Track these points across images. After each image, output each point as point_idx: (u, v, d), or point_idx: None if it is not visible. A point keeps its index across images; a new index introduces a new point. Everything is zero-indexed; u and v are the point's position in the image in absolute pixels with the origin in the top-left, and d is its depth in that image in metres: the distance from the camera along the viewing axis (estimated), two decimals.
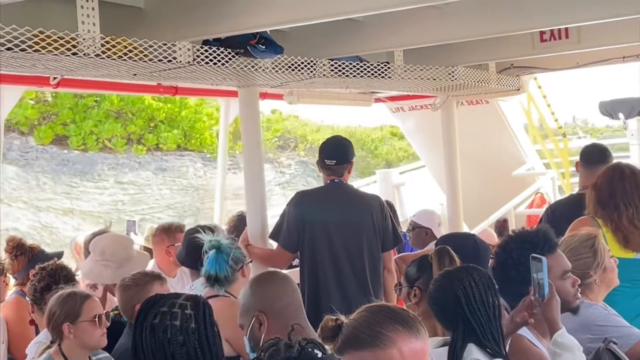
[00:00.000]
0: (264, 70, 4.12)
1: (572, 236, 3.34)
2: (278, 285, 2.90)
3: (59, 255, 4.21)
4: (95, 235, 4.53)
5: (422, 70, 4.96)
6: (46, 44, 3.09)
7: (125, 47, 3.38)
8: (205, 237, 3.61)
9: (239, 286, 3.63)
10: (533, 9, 4.06)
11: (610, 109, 10.14)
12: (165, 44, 3.53)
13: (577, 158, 4.82)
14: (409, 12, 4.05)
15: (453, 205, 6.19)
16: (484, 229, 6.77)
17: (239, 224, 5.38)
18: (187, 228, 4.60)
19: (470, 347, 2.47)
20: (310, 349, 1.75)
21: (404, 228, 6.04)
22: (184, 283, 4.48)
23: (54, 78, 4.25)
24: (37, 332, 3.73)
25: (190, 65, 3.71)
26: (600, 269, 3.20)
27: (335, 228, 4.48)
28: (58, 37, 3.13)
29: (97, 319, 3.15)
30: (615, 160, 4.44)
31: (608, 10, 3.93)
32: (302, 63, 4.31)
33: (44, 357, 3.15)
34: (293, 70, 4.26)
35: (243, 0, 3.46)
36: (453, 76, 5.15)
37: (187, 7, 3.60)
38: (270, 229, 4.69)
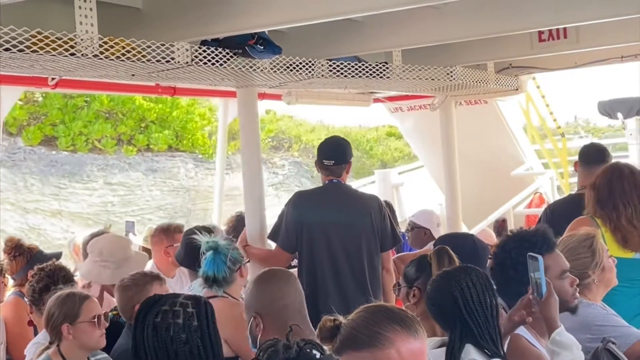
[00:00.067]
0: (262, 70, 4.16)
1: (570, 236, 3.38)
2: (278, 286, 2.95)
3: (58, 256, 4.24)
4: (93, 236, 4.58)
5: (420, 70, 4.99)
6: (44, 44, 3.13)
7: (124, 48, 3.42)
8: (203, 239, 3.66)
9: (237, 287, 3.71)
10: (531, 9, 4.10)
11: (609, 108, 10.24)
12: (163, 45, 3.57)
13: (576, 158, 4.85)
14: (407, 12, 4.08)
15: (452, 205, 6.24)
16: (482, 229, 6.79)
17: (237, 224, 5.41)
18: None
19: (468, 348, 2.50)
20: (308, 350, 1.82)
21: (402, 228, 6.08)
22: (182, 283, 4.54)
23: (52, 79, 4.28)
24: (36, 333, 3.76)
25: (189, 65, 3.75)
26: (598, 269, 3.24)
27: (334, 228, 4.52)
28: (56, 38, 3.17)
29: (96, 320, 3.18)
30: (614, 160, 4.48)
31: (606, 10, 3.97)
32: (301, 63, 4.34)
33: (43, 358, 3.19)
34: (291, 70, 4.30)
35: (241, 0, 3.50)
36: (451, 76, 5.18)
37: (185, 7, 3.64)
38: (268, 229, 4.73)
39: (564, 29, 5.01)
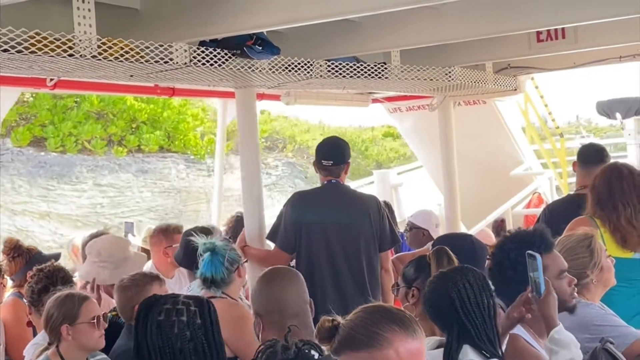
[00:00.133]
0: (260, 71, 4.19)
1: (568, 236, 3.43)
2: (279, 286, 3.00)
3: (57, 256, 4.28)
4: (92, 237, 4.63)
5: (419, 70, 5.04)
6: (42, 45, 3.16)
7: (122, 49, 3.45)
8: (200, 240, 3.70)
9: (235, 287, 3.76)
10: (529, 9, 4.13)
11: (607, 108, 10.30)
12: (161, 45, 3.60)
13: (575, 158, 4.89)
14: (405, 13, 4.11)
15: (450, 205, 6.30)
16: (481, 229, 6.81)
17: (236, 225, 5.46)
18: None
19: (466, 349, 2.53)
20: (307, 350, 1.85)
21: (401, 228, 6.11)
22: (181, 284, 4.60)
23: (51, 79, 4.30)
24: (35, 334, 3.80)
25: (187, 66, 3.78)
26: (596, 269, 3.30)
27: (333, 229, 4.58)
28: (54, 39, 3.20)
29: (95, 321, 3.23)
30: (613, 160, 4.54)
31: (605, 10, 4.01)
32: (299, 64, 4.38)
33: (42, 359, 3.24)
34: (290, 71, 4.33)
35: (240, 1, 3.54)
36: (450, 76, 5.23)
37: (183, 8, 3.68)
38: (267, 229, 4.77)
39: (562, 29, 5.04)
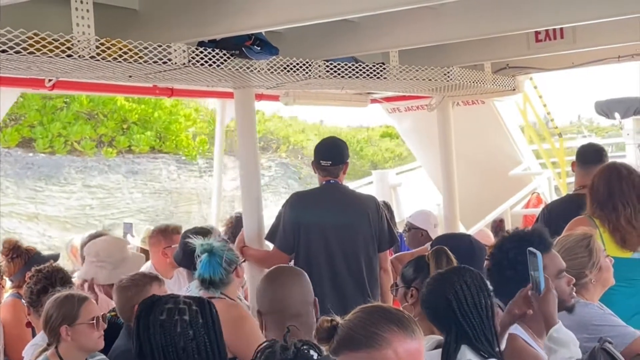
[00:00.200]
0: (259, 71, 4.23)
1: (567, 236, 3.49)
2: (281, 286, 3.06)
3: (55, 257, 4.32)
4: (91, 238, 4.70)
5: (417, 70, 5.09)
6: (41, 46, 3.19)
7: (121, 49, 3.48)
8: (197, 241, 3.74)
9: (234, 287, 3.81)
10: (528, 9, 4.18)
11: (606, 108, 10.39)
12: (160, 46, 3.63)
13: (574, 158, 4.97)
14: (404, 13, 4.15)
15: (449, 205, 6.36)
16: (480, 229, 6.91)
17: (235, 225, 5.52)
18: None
19: (464, 350, 2.56)
20: (305, 351, 1.90)
21: (400, 229, 6.17)
22: (180, 284, 4.65)
23: (49, 80, 4.35)
24: (34, 335, 3.85)
25: (186, 66, 3.82)
26: (595, 269, 3.36)
27: (331, 229, 4.64)
28: (53, 39, 3.23)
29: (94, 321, 3.28)
30: (611, 160, 4.60)
31: (603, 10, 4.06)
32: (298, 64, 4.43)
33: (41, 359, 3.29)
34: (288, 71, 4.38)
35: (238, 1, 3.58)
36: (448, 77, 5.29)
37: (182, 8, 3.72)
38: (266, 230, 4.82)
39: (561, 29, 5.09)
